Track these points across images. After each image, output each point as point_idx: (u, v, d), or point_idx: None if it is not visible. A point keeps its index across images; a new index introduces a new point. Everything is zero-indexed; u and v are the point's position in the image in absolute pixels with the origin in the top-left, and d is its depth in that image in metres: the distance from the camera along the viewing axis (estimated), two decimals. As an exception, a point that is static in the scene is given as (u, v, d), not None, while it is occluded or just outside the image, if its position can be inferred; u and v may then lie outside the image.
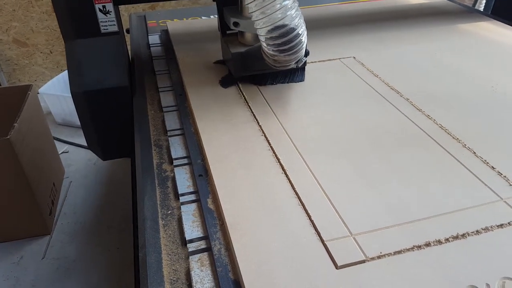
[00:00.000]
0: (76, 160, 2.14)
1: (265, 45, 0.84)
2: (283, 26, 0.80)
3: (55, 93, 2.28)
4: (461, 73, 1.05)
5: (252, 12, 0.81)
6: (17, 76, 2.61)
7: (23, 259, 1.59)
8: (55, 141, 2.04)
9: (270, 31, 0.80)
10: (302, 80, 1.02)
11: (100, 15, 1.04)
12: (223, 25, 1.02)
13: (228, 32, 1.03)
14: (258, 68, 0.97)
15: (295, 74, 1.01)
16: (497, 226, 0.61)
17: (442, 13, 1.47)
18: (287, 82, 1.01)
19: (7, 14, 2.38)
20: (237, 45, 0.99)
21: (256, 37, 0.93)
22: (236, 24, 0.93)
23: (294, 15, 0.80)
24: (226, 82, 1.02)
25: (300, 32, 0.81)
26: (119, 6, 1.12)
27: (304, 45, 0.85)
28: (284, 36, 0.80)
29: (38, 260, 1.59)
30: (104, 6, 1.03)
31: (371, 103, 0.93)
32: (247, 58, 0.96)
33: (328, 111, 0.90)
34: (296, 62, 0.90)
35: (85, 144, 2.13)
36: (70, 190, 1.94)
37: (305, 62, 0.95)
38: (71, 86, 1.02)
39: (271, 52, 0.85)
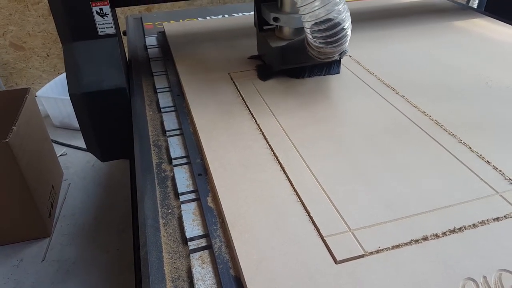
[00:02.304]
0: (74, 162, 2.14)
1: (311, 37, 0.87)
2: (331, 19, 0.82)
3: (52, 96, 2.28)
4: (456, 69, 1.06)
5: (300, 6, 0.84)
6: (14, 80, 2.61)
7: (23, 262, 1.59)
8: (53, 143, 2.03)
9: (318, 24, 0.83)
10: (338, 72, 1.05)
11: (97, 18, 1.04)
12: (260, 20, 1.04)
13: (265, 27, 1.06)
14: (297, 62, 1.00)
15: (331, 66, 1.04)
16: (493, 219, 0.62)
17: (437, 10, 1.49)
18: (324, 75, 1.05)
19: (3, 18, 2.37)
20: (276, 39, 1.02)
21: (295, 32, 0.98)
22: (276, 19, 0.96)
23: (342, 9, 0.83)
24: (264, 75, 1.05)
25: (346, 26, 0.84)
26: (115, 9, 1.13)
27: (349, 38, 0.88)
28: (331, 29, 0.83)
29: (38, 262, 1.59)
30: (101, 9, 1.03)
31: (367, 100, 0.94)
32: (287, 52, 0.98)
33: (325, 109, 0.91)
34: (340, 54, 0.92)
35: (83, 146, 2.14)
36: (69, 192, 1.94)
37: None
38: (69, 88, 1.03)
39: (317, 44, 0.87)
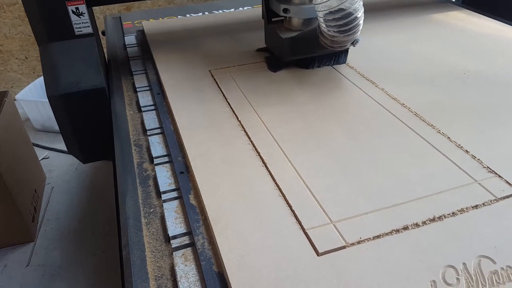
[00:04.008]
0: (57, 165, 2.11)
1: (324, 26, 0.88)
2: (344, 9, 0.84)
3: (32, 99, 2.24)
4: (435, 61, 1.07)
5: None
6: (-8, 84, 2.56)
7: (6, 267, 1.57)
8: (35, 147, 2.00)
9: (332, 13, 0.84)
10: (345, 62, 1.08)
11: (73, 17, 1.03)
12: (268, 13, 1.06)
13: (273, 19, 1.07)
14: (307, 52, 1.02)
15: (340, 56, 1.06)
16: (472, 207, 0.63)
17: (415, 4, 1.50)
18: (332, 64, 1.07)
19: (-22, 21, 2.33)
20: (285, 31, 1.03)
21: (303, 22, 1.00)
22: (286, 10, 0.97)
23: None
24: (274, 66, 1.07)
25: (359, 15, 0.86)
26: (93, 8, 1.11)
27: (361, 27, 0.89)
28: (346, 18, 0.85)
29: (22, 268, 1.56)
30: (77, 8, 1.02)
31: (346, 93, 0.94)
32: (297, 43, 1.00)
33: (306, 103, 0.91)
34: (352, 43, 0.93)
35: (65, 149, 2.11)
36: (52, 196, 1.91)
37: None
38: (47, 90, 1.01)
39: (331, 33, 0.89)
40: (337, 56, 1.06)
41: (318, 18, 0.89)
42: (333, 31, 0.88)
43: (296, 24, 1.03)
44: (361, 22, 0.88)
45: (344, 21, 0.85)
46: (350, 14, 0.84)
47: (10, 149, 1.60)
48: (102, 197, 1.90)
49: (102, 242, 1.66)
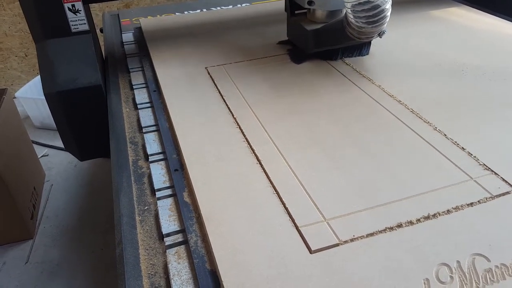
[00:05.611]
0: (57, 163, 2.11)
1: (352, 17, 0.88)
2: (372, 1, 0.84)
3: (32, 97, 2.24)
4: (432, 58, 1.07)
5: None
6: (-8, 81, 2.56)
7: (6, 265, 1.57)
8: (34, 145, 2.00)
9: (361, 4, 0.85)
10: (367, 53, 1.09)
11: (69, 14, 1.02)
12: (292, 5, 1.07)
13: (296, 12, 1.08)
14: (331, 44, 1.03)
15: (363, 48, 1.08)
16: (467, 204, 0.62)
17: (414, 0, 1.49)
18: (355, 56, 1.08)
19: (-22, 18, 2.33)
20: (309, 23, 1.04)
21: (327, 14, 1.01)
22: (310, 2, 0.99)
23: None
24: (298, 58, 1.08)
25: (387, 6, 0.86)
26: (92, 6, 1.11)
27: (388, 18, 0.89)
28: (375, 9, 0.85)
29: (21, 265, 1.57)
30: (73, 5, 1.02)
31: (343, 91, 0.94)
32: (321, 35, 1.01)
33: (302, 100, 0.91)
34: (379, 34, 0.94)
35: (64, 146, 2.11)
36: (51, 193, 1.91)
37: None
38: (43, 88, 1.01)
39: (359, 24, 0.89)
40: (360, 48, 1.08)
41: (346, 9, 0.89)
42: (361, 22, 0.88)
43: (320, 16, 1.03)
44: (389, 14, 0.88)
45: (372, 12, 0.85)
46: (378, 6, 0.84)
47: (9, 147, 1.61)
48: (101, 194, 1.90)
49: (101, 239, 1.66)
